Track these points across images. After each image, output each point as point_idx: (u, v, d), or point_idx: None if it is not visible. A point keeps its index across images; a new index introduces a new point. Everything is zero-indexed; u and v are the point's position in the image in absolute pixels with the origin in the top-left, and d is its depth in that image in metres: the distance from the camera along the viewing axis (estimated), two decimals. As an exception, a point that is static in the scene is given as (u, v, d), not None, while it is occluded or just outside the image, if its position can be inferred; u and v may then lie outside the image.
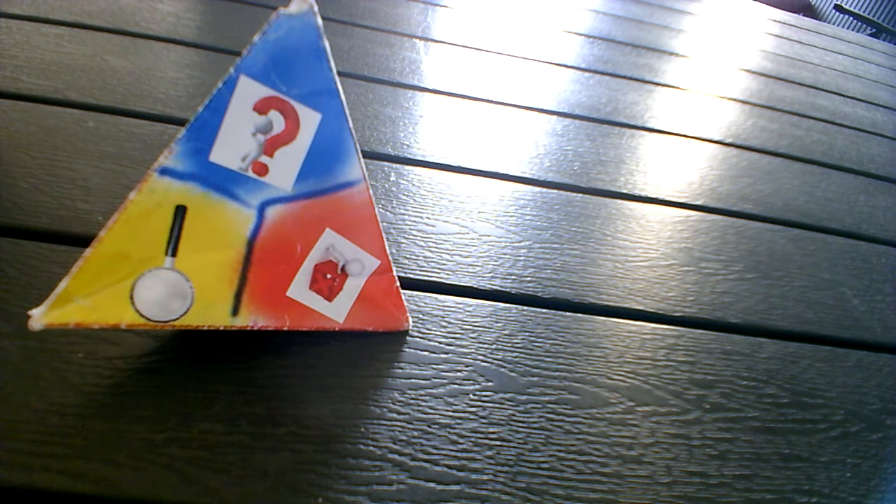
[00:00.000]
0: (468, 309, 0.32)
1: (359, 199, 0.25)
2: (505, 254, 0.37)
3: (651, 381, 0.30)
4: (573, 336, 0.32)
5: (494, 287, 0.34)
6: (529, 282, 0.35)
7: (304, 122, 0.23)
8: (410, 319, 0.30)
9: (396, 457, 0.23)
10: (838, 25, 2.42)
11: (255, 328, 0.25)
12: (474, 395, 0.27)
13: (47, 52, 0.47)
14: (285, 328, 0.26)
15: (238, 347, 0.26)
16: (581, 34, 0.94)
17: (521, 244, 0.39)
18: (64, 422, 0.22)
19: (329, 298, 0.26)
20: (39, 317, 0.21)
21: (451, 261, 0.35)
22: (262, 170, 0.23)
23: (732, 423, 0.29)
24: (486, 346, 0.30)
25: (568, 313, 0.33)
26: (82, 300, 0.22)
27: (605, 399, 0.28)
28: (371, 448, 0.23)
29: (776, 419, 0.30)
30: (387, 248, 0.27)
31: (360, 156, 0.24)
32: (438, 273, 0.34)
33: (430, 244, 0.36)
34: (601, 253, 0.40)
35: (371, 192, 0.25)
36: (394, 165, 0.44)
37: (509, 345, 0.30)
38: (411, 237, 0.36)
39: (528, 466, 0.24)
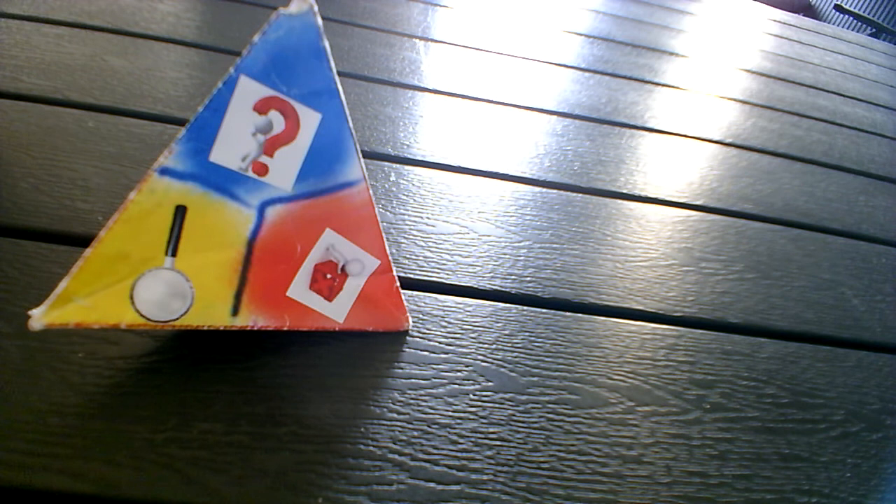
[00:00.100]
0: (468, 309, 0.32)
1: (359, 199, 0.25)
2: (505, 254, 0.37)
3: (651, 381, 0.30)
4: (573, 336, 0.32)
5: (494, 287, 0.34)
6: (529, 282, 0.35)
7: (304, 122, 0.23)
8: (410, 319, 0.30)
9: (396, 457, 0.23)
10: (838, 25, 2.42)
11: (255, 328, 0.25)
12: (474, 395, 0.27)
13: (47, 52, 0.47)
14: (285, 328, 0.26)
15: (238, 347, 0.26)
16: (581, 34, 0.94)
17: (521, 244, 0.39)
18: (64, 422, 0.22)
19: (329, 298, 0.26)
20: (39, 317, 0.21)
21: (451, 261, 0.35)
22: (262, 170, 0.23)
23: (732, 423, 0.29)
24: (486, 346, 0.30)
25: (568, 313, 0.33)
26: (82, 300, 0.22)
27: (605, 399, 0.28)
28: (371, 448, 0.23)
29: (776, 419, 0.30)
30: (387, 248, 0.27)
31: (360, 156, 0.24)
32: (438, 273, 0.34)
33: (430, 244, 0.36)
34: (601, 253, 0.40)
35: (371, 192, 0.25)
36: (394, 165, 0.44)
37: (509, 345, 0.30)
38: (411, 237, 0.36)
39: (528, 466, 0.24)
